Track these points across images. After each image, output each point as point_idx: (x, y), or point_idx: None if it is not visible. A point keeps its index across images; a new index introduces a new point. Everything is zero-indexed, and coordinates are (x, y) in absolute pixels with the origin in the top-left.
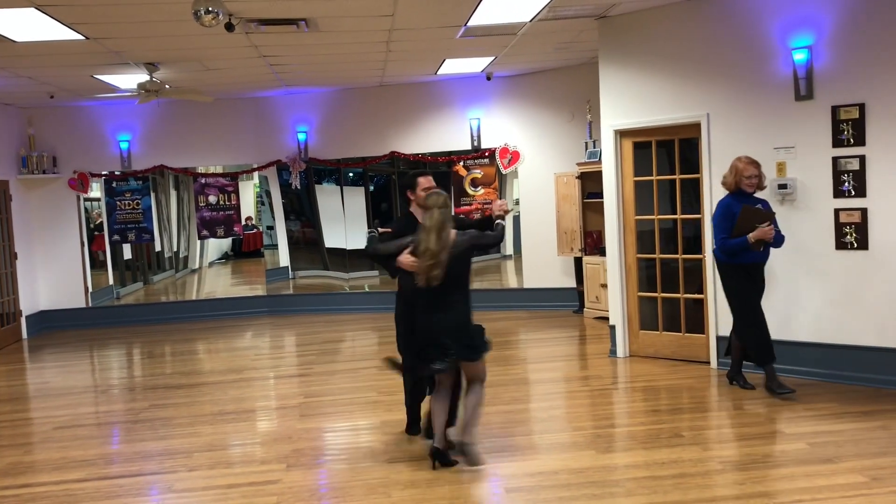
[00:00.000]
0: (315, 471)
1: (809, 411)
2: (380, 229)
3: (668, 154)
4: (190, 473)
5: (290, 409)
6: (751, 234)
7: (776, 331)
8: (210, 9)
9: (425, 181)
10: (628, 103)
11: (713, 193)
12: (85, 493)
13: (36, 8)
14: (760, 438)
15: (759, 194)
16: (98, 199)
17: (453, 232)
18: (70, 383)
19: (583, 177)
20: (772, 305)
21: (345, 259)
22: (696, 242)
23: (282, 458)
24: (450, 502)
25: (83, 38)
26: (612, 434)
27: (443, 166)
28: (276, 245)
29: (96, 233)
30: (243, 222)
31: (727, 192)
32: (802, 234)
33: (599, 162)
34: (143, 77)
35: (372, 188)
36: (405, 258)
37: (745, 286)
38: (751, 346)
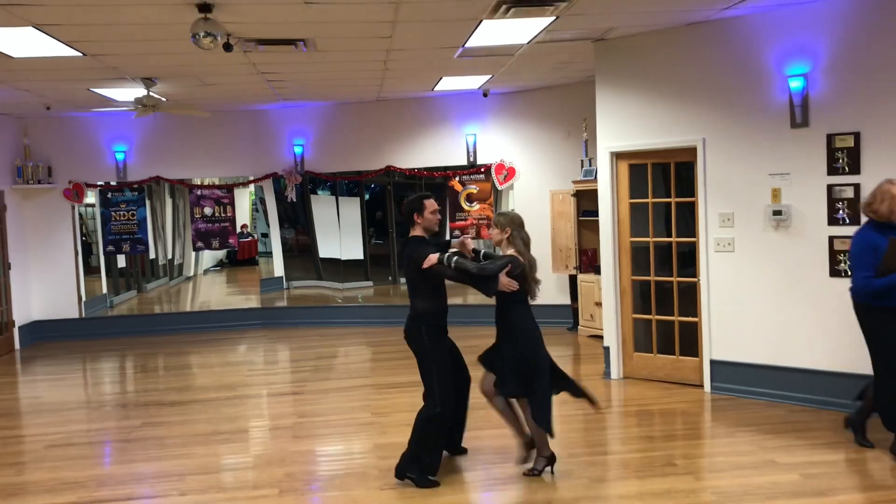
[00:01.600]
0: (307, 497)
1: (802, 440)
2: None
3: (663, 177)
4: (181, 498)
5: (283, 429)
6: None
7: (769, 357)
8: (208, 32)
9: (431, 204)
10: (625, 126)
11: (708, 217)
12: None
13: (34, 27)
14: (754, 468)
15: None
16: (93, 205)
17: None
18: (62, 398)
19: (578, 195)
20: (765, 332)
21: (339, 269)
22: (691, 265)
23: (274, 483)
24: None
25: (81, 54)
26: (605, 462)
27: (438, 181)
28: (271, 252)
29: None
30: (238, 230)
31: (865, 222)
32: (796, 260)
33: (595, 180)
34: (141, 91)
35: (367, 197)
36: (506, 280)
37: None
38: (885, 403)
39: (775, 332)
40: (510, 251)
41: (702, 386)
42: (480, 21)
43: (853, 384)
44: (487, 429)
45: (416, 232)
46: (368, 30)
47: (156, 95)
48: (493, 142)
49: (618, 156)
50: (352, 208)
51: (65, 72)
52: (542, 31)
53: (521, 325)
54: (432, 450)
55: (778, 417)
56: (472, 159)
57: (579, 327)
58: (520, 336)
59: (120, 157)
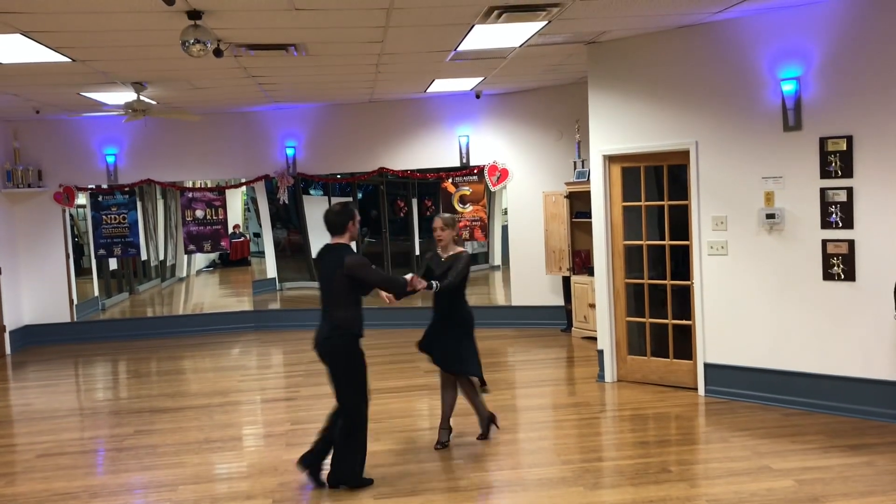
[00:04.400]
0: None
1: (796, 444)
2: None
3: (656, 180)
4: None
5: (276, 436)
6: None
7: (762, 360)
8: (198, 39)
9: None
10: (617, 128)
11: (701, 220)
12: None
13: (22, 34)
14: (748, 475)
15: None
16: (84, 206)
17: None
18: (54, 405)
19: (571, 196)
20: (759, 335)
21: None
22: (685, 268)
23: (268, 493)
24: None
25: (70, 60)
26: (600, 468)
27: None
28: (263, 253)
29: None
30: (230, 230)
31: None
32: (789, 264)
33: (588, 182)
34: (131, 95)
35: (360, 196)
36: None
37: None
38: None
39: (769, 335)
40: (458, 249)
41: (696, 389)
42: (472, 26)
43: (847, 387)
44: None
45: (344, 240)
46: (360, 35)
47: (146, 99)
48: (486, 143)
49: (611, 159)
50: None
51: (54, 76)
52: (534, 35)
53: (468, 309)
54: (363, 449)
55: (772, 421)
56: (465, 161)
57: (573, 329)
58: (469, 319)
59: (111, 160)
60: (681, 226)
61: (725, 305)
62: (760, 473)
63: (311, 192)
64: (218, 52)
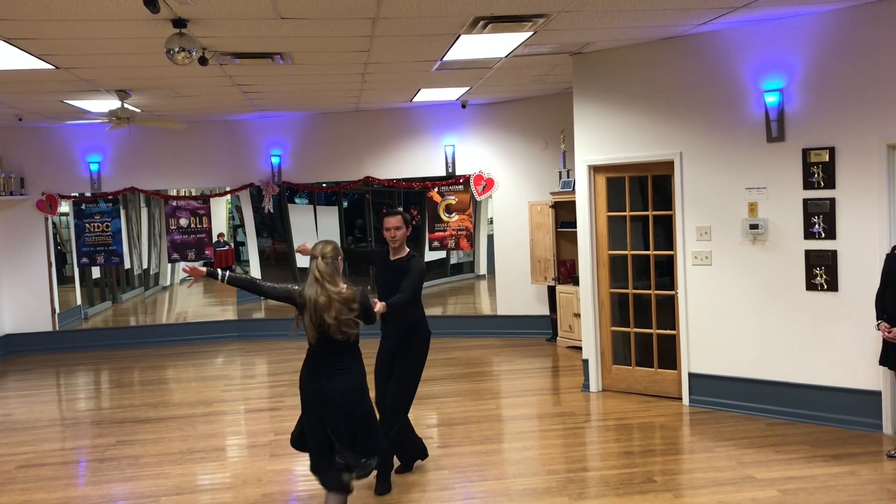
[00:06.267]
0: None
1: (780, 454)
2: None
3: (641, 190)
4: None
5: (260, 447)
6: None
7: (746, 370)
8: (183, 47)
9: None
10: (602, 139)
11: (685, 230)
12: None
13: (4, 41)
14: (732, 485)
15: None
16: (67, 214)
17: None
18: (34, 416)
19: (556, 206)
20: (742, 345)
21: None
22: (669, 277)
23: None
24: None
25: (53, 67)
26: (584, 478)
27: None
28: (248, 261)
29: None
30: (215, 239)
31: None
32: (773, 274)
33: (573, 192)
34: (115, 103)
35: (346, 205)
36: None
37: None
38: None
39: (753, 344)
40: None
41: (680, 399)
42: (458, 36)
43: (829, 396)
44: (466, 445)
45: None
46: (346, 44)
47: (130, 107)
48: (472, 153)
49: (595, 169)
50: (330, 217)
51: (37, 84)
52: (519, 46)
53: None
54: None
55: (756, 431)
56: (450, 170)
57: (558, 338)
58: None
59: (94, 168)
60: (665, 236)
61: (710, 315)
62: (744, 483)
63: (297, 200)
64: (203, 61)
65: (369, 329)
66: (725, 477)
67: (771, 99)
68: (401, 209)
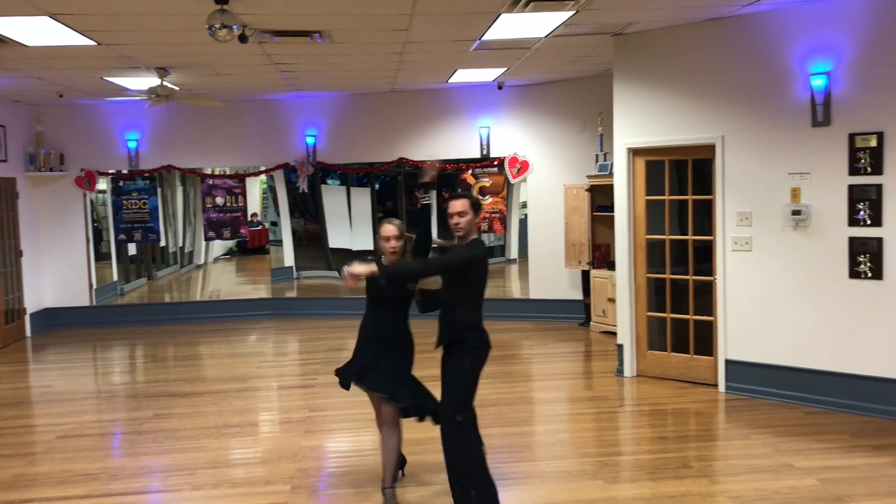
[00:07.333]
0: (320, 494)
1: (819, 443)
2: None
3: (680, 174)
4: (194, 493)
5: (294, 423)
6: None
7: (788, 358)
8: (225, 24)
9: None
10: (642, 122)
11: (726, 215)
12: None
13: (49, 16)
14: (770, 472)
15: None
16: (104, 192)
17: None
18: (73, 387)
19: (592, 189)
20: (782, 333)
21: (350, 259)
22: (707, 263)
23: (286, 479)
24: None
25: (95, 43)
26: (619, 462)
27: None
28: (281, 241)
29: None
30: (248, 219)
31: None
32: (815, 261)
33: (610, 175)
34: (154, 80)
35: (378, 186)
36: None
37: None
38: None
39: (792, 332)
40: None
41: (716, 385)
42: (499, 14)
43: (871, 386)
44: (498, 426)
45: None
46: (385, 22)
47: (169, 85)
48: (507, 135)
49: (635, 152)
50: (363, 198)
51: (78, 60)
52: (560, 25)
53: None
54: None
55: (793, 419)
56: (485, 152)
57: (591, 323)
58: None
59: (132, 145)
60: (704, 221)
61: (748, 302)
62: (782, 471)
63: (328, 181)
64: (243, 38)
65: None
66: (763, 464)
67: (817, 82)
68: (467, 192)
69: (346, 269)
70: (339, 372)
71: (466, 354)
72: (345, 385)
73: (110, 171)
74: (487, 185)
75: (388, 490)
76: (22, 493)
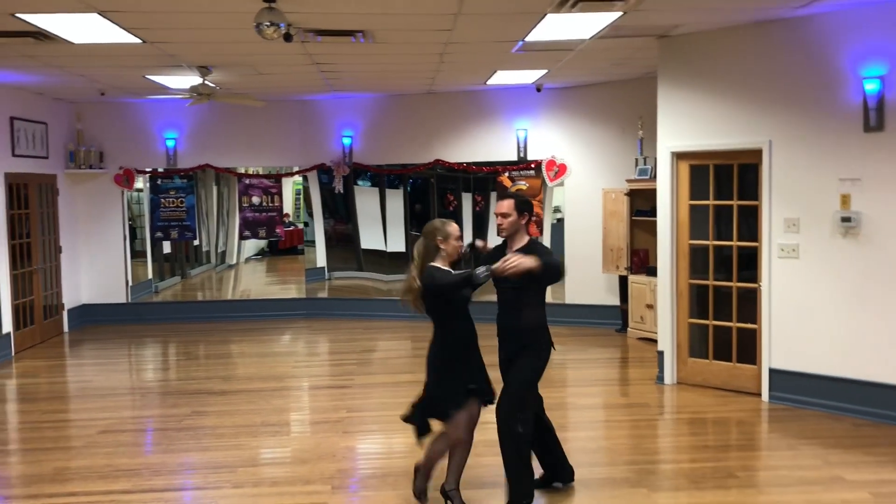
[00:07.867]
0: (360, 494)
1: (870, 455)
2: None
3: (726, 179)
4: (235, 490)
5: (332, 423)
6: None
7: (835, 368)
8: (272, 21)
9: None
10: (687, 125)
11: (772, 221)
12: None
13: (98, 13)
14: (819, 484)
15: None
16: (140, 190)
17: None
18: (111, 383)
19: (632, 194)
20: (830, 342)
21: (383, 261)
22: (752, 270)
23: (326, 479)
24: None
25: (140, 41)
26: (662, 470)
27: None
28: (314, 242)
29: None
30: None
31: None
32: (866, 269)
33: (650, 179)
34: (195, 79)
35: (409, 189)
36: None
37: None
38: None
39: (840, 342)
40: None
41: (759, 395)
42: (545, 14)
43: None
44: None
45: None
46: (430, 22)
47: (210, 84)
48: (545, 138)
49: (679, 156)
50: (395, 200)
51: (122, 58)
52: (606, 27)
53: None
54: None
55: (842, 431)
56: (522, 155)
57: (629, 329)
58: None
59: (170, 143)
60: (749, 227)
61: (794, 310)
62: (833, 484)
63: (359, 182)
64: (288, 37)
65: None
66: (812, 476)
67: (871, 86)
68: (516, 193)
69: (514, 262)
70: (474, 392)
71: (534, 355)
72: (490, 401)
73: (148, 170)
74: (524, 188)
75: (453, 491)
76: (65, 486)
